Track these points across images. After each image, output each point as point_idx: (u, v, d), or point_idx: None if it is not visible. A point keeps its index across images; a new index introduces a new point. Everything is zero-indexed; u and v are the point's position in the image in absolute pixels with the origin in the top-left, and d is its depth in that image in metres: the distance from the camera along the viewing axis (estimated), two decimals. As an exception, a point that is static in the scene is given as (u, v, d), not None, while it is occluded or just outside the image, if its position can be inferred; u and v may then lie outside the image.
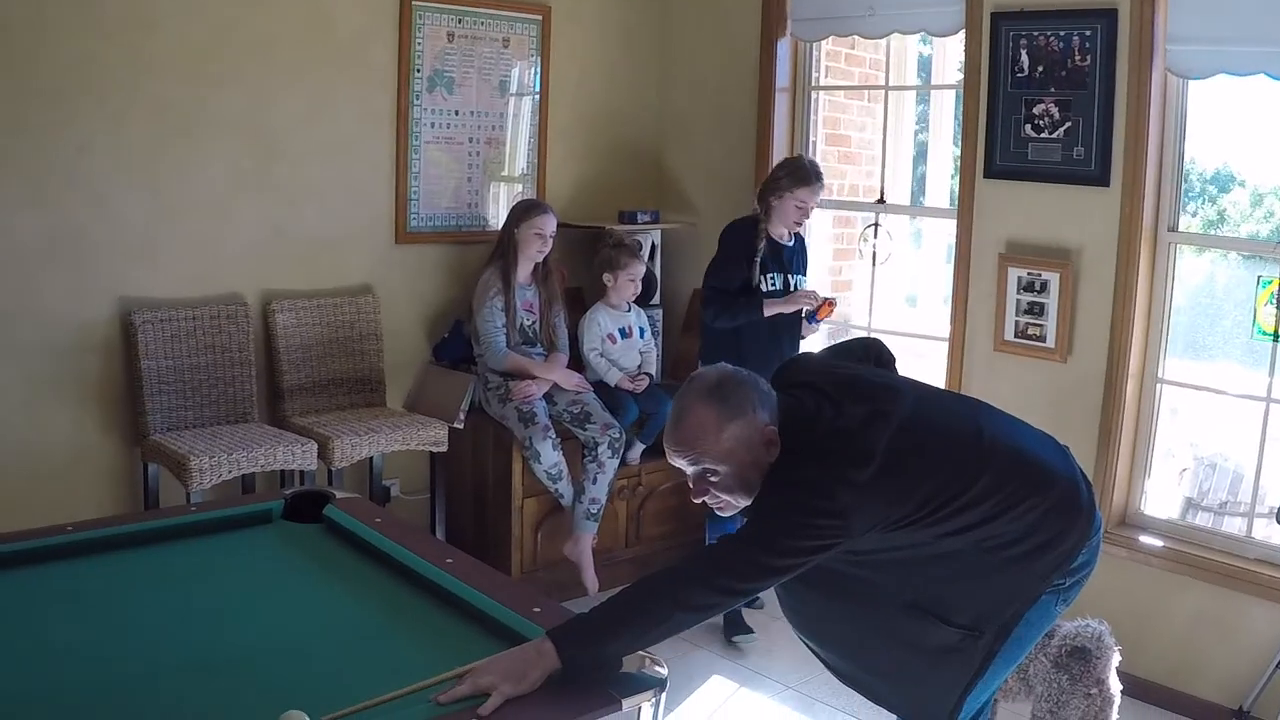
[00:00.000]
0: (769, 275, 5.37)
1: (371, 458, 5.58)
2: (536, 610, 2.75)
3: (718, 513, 2.99)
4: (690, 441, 2.82)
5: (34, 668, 2.53)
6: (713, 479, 2.84)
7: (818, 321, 5.41)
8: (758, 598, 5.54)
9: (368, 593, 3.02)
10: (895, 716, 3.26)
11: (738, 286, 5.32)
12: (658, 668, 2.53)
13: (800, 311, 5.37)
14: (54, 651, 2.61)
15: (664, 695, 2.47)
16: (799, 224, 5.43)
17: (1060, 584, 2.96)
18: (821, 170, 5.37)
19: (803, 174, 5.32)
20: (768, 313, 5.25)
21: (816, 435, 2.83)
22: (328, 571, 3.17)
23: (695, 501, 2.94)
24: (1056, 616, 3.09)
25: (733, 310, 5.28)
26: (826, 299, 5.37)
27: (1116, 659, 3.86)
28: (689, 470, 2.87)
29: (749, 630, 5.45)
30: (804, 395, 2.95)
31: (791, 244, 5.48)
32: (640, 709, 2.40)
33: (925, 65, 6.74)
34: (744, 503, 2.89)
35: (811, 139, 6.28)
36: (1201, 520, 5.06)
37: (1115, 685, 3.85)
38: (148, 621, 2.81)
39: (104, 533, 3.26)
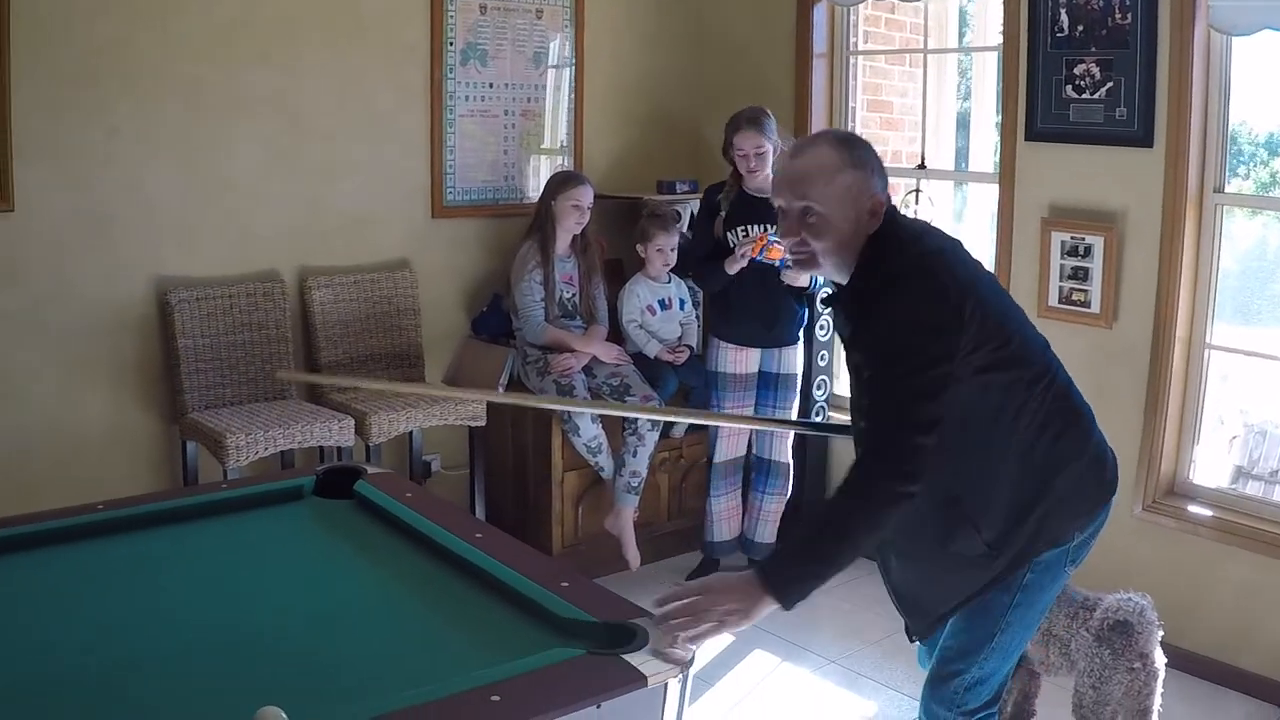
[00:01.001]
0: (737, 229, 5.41)
1: (411, 433, 5.57)
2: (564, 585, 2.72)
3: (791, 264, 2.93)
4: (804, 177, 2.78)
5: (63, 646, 2.52)
6: (811, 220, 2.77)
7: (774, 264, 5.27)
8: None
9: (395, 568, 3.00)
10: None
11: (705, 251, 5.49)
12: (686, 643, 2.48)
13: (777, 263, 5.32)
14: (83, 629, 2.61)
15: (691, 671, 2.41)
16: (754, 171, 5.39)
17: (1076, 538, 2.97)
18: (761, 115, 5.40)
19: (734, 122, 5.42)
20: (730, 270, 5.33)
21: (916, 251, 2.79)
22: (356, 547, 3.15)
23: (782, 241, 2.88)
24: (1065, 578, 3.07)
25: (701, 275, 5.51)
26: (757, 237, 5.30)
27: (1160, 633, 3.78)
28: (792, 206, 2.79)
29: None
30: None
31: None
32: (667, 685, 2.35)
33: (967, 28, 6.63)
34: (826, 266, 2.84)
35: (850, 105, 6.19)
36: (1252, 489, 4.94)
37: (1159, 659, 3.76)
38: (176, 599, 2.79)
39: (135, 511, 3.25)
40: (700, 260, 5.53)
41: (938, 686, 3.08)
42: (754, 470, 5.77)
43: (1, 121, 4.67)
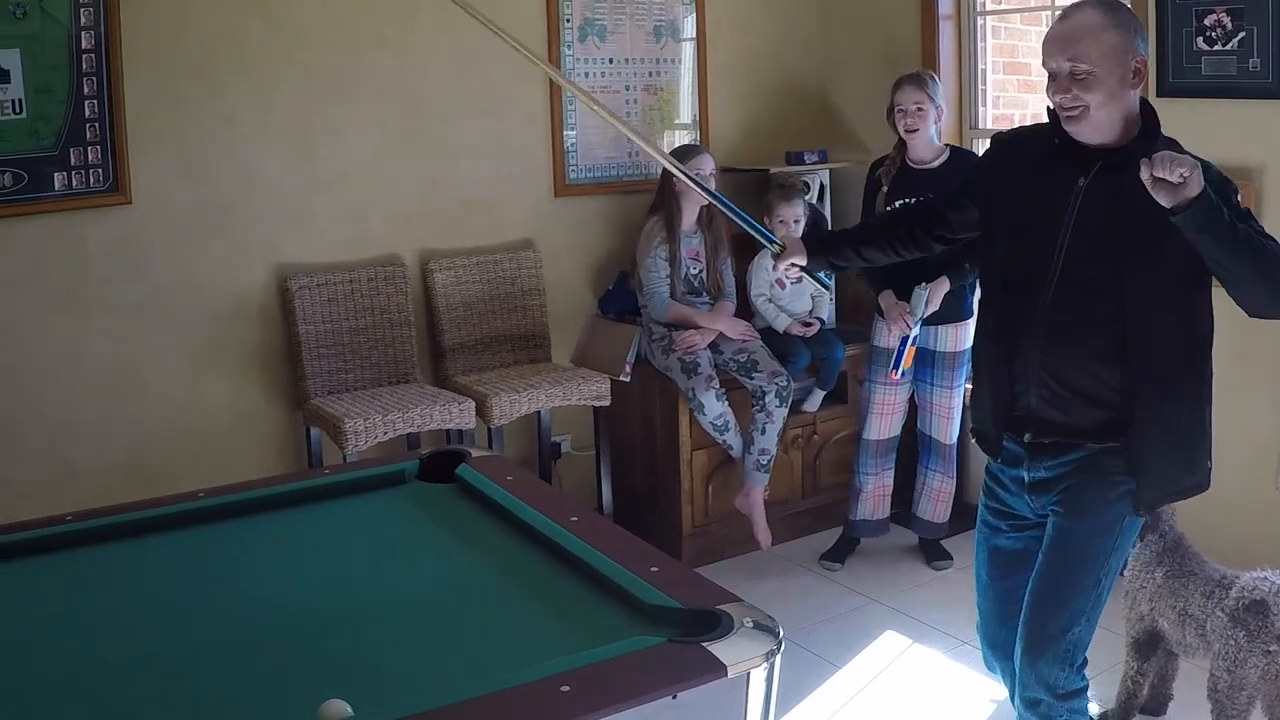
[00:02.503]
0: (897, 202, 5.20)
1: (539, 414, 5.53)
2: (654, 570, 2.63)
3: (1070, 115, 2.95)
4: (1072, 37, 2.91)
5: (143, 632, 2.55)
6: (1080, 77, 2.89)
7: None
8: (950, 556, 5.46)
9: (488, 554, 2.95)
10: None
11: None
12: (770, 627, 2.36)
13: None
14: (169, 616, 2.63)
15: (778, 659, 2.30)
16: (911, 130, 5.20)
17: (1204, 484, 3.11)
18: (923, 73, 5.34)
19: (897, 81, 5.29)
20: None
21: None
22: (451, 533, 3.10)
23: (1054, 99, 2.97)
24: (1135, 534, 3.20)
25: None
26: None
27: None
28: (1061, 66, 2.91)
29: (948, 556, 5.60)
30: None
31: (936, 164, 5.25)
32: (750, 675, 2.25)
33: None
34: (1098, 120, 2.93)
35: (981, 67, 5.98)
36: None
37: (1301, 642, 3.55)
38: (262, 586, 2.80)
39: (234, 498, 3.27)
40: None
41: (1045, 646, 3.06)
42: (919, 444, 5.60)
43: (116, 115, 4.72)
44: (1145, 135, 2.95)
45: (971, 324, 5.28)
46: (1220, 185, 2.84)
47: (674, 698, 2.16)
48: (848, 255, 3.61)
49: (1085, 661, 3.11)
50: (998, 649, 3.32)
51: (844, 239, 3.72)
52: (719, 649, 2.25)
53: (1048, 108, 3.04)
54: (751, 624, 2.35)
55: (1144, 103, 3.01)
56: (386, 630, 2.52)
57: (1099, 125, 2.94)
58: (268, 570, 2.89)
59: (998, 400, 3.16)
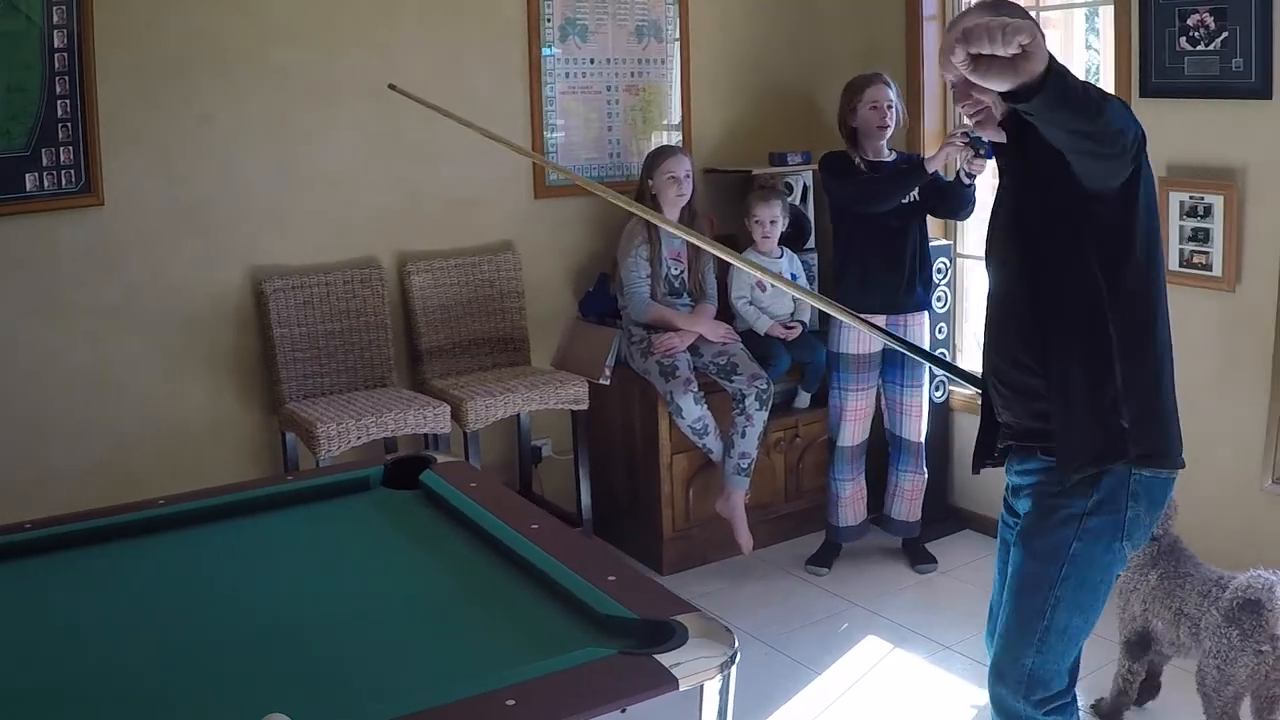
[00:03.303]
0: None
1: (519, 418, 5.49)
2: (611, 579, 2.58)
3: (977, 120, 2.85)
4: (948, 45, 2.55)
5: (100, 639, 2.53)
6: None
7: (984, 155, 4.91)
8: (934, 560, 5.43)
9: (447, 562, 2.91)
10: None
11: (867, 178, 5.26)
12: (724, 639, 2.31)
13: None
14: (122, 624, 2.60)
15: (733, 670, 2.25)
16: (884, 126, 5.22)
17: (1130, 509, 2.88)
18: (884, 74, 5.30)
19: (860, 80, 5.28)
20: (931, 167, 5.04)
21: None
22: (412, 540, 3.06)
23: (959, 108, 2.91)
24: (1121, 559, 2.94)
25: (895, 183, 5.14)
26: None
27: None
28: (956, 74, 2.68)
29: (932, 560, 5.59)
30: None
31: (890, 160, 5.30)
32: (703, 688, 2.20)
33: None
34: (1000, 112, 2.80)
35: (965, 67, 5.93)
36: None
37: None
38: (219, 594, 2.76)
39: (194, 505, 3.23)
40: (878, 179, 5.21)
41: (1003, 673, 2.96)
42: (889, 445, 5.59)
43: (89, 115, 4.67)
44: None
45: (927, 317, 5.43)
46: None
47: (623, 711, 2.12)
48: None
49: (1060, 697, 2.96)
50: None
51: None
52: (671, 660, 2.21)
53: None
54: (705, 635, 2.30)
55: None
56: (335, 641, 2.48)
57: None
58: (222, 578, 2.86)
59: (984, 406, 3.14)
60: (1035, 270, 2.84)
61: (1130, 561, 3.82)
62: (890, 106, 5.21)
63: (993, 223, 3.04)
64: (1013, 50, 2.12)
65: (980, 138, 4.66)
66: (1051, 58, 2.22)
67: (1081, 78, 2.42)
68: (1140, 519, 2.89)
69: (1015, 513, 3.11)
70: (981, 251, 3.17)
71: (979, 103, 2.81)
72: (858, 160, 5.27)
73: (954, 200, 5.15)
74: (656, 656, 2.22)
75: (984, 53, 2.13)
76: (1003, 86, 2.21)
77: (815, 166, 6.04)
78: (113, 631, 2.57)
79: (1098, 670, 4.20)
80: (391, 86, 4.42)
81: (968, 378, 3.39)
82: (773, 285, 5.57)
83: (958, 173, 5.00)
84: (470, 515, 3.06)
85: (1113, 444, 2.81)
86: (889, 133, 5.24)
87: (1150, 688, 4.13)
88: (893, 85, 5.27)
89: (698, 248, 5.54)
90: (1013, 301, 2.92)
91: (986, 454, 3.15)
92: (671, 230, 4.29)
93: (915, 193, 5.13)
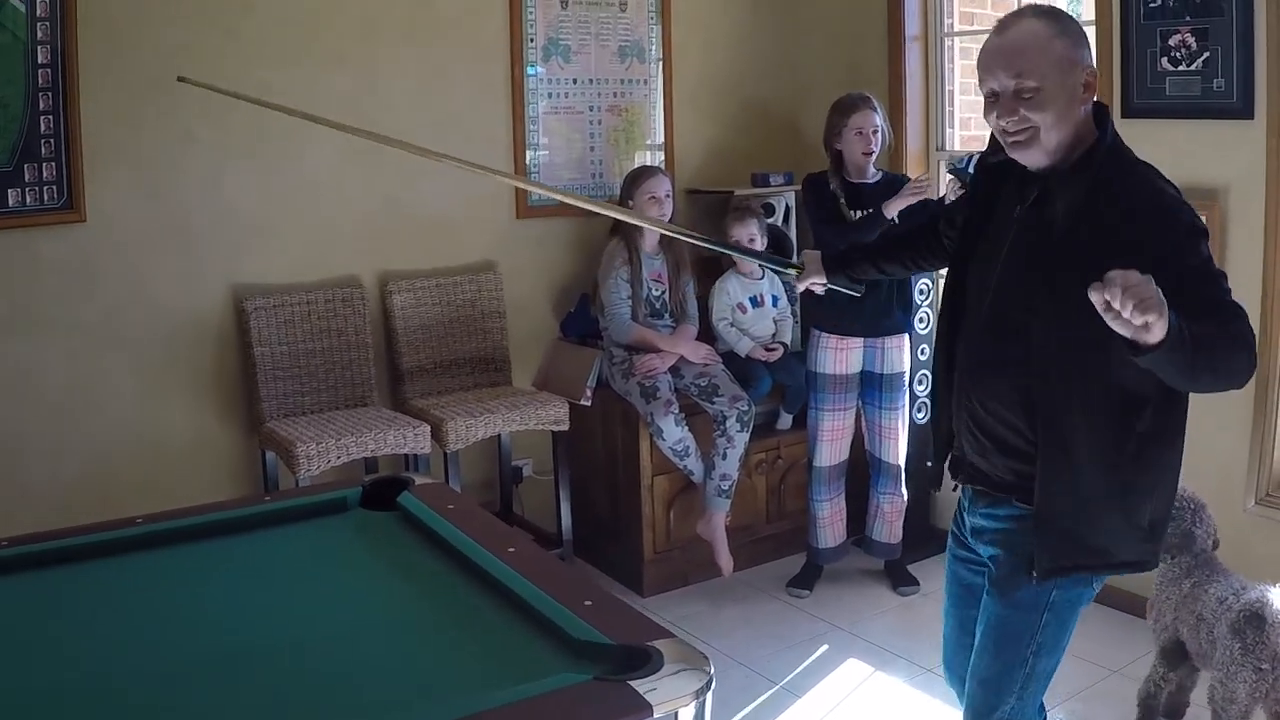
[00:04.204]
0: (854, 213, 5.21)
1: (500, 439, 5.48)
2: (587, 604, 2.56)
3: (1017, 140, 2.66)
4: (1016, 49, 2.62)
5: (76, 660, 2.49)
6: (1027, 96, 2.60)
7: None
8: (916, 582, 5.42)
9: (422, 585, 2.88)
10: None
11: (841, 225, 5.22)
12: (700, 665, 2.30)
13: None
14: (99, 645, 2.56)
15: (709, 697, 2.24)
16: (869, 153, 5.23)
17: (1143, 562, 2.82)
18: (871, 97, 5.28)
19: (846, 103, 5.25)
20: (890, 213, 5.05)
21: (1136, 158, 2.74)
22: (387, 562, 3.04)
23: (998, 123, 2.67)
24: (1088, 601, 2.89)
25: (859, 229, 5.10)
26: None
27: None
28: (1005, 85, 2.63)
29: (914, 582, 5.59)
30: None
31: (875, 179, 5.30)
32: (677, 715, 2.19)
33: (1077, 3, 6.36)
34: (1048, 143, 2.64)
35: (948, 88, 5.96)
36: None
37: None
38: (194, 615, 2.72)
39: (171, 525, 3.19)
40: (848, 225, 5.20)
41: (977, 718, 2.93)
42: (870, 467, 5.58)
43: (71, 131, 4.66)
44: (1087, 157, 2.66)
45: (907, 340, 5.41)
46: (1189, 235, 2.54)
47: (595, 738, 2.10)
48: (865, 270, 3.52)
49: None
50: (953, 672, 3.20)
51: (862, 255, 3.57)
52: (645, 687, 2.19)
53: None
54: (681, 661, 2.29)
55: (1100, 111, 2.71)
56: (308, 663, 2.45)
57: (1049, 149, 2.64)
58: (199, 598, 2.82)
59: (938, 434, 3.09)
60: (1056, 342, 2.64)
61: (1163, 577, 3.86)
62: (875, 132, 5.22)
63: (994, 242, 2.85)
64: (1136, 324, 2.18)
65: (968, 172, 4.65)
66: (1173, 332, 2.23)
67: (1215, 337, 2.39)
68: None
69: (969, 548, 3.04)
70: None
71: (1027, 121, 2.62)
72: (834, 186, 5.26)
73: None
74: (631, 683, 2.20)
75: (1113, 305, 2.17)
76: (1120, 332, 2.23)
77: (798, 187, 6.07)
78: (89, 650, 2.54)
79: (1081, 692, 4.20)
80: (181, 79, 4.27)
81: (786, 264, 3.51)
82: (755, 307, 5.58)
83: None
84: (447, 538, 3.03)
85: (1126, 560, 2.79)
86: (873, 157, 5.25)
87: (1178, 705, 4.10)
88: (879, 109, 5.28)
89: (678, 268, 5.55)
90: (1011, 352, 2.74)
91: (941, 465, 3.12)
92: (650, 227, 4.33)
93: (894, 218, 5.13)
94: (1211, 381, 2.46)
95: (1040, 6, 2.75)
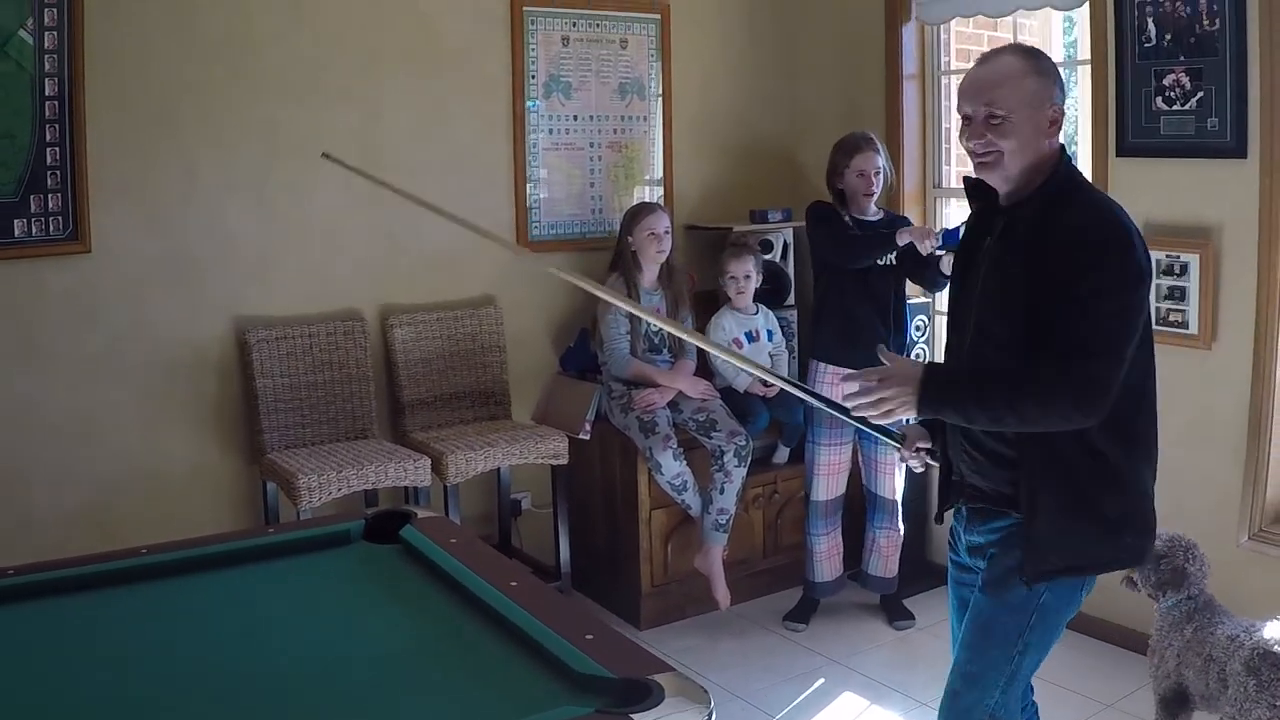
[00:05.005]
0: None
1: (499, 472, 5.51)
2: (589, 638, 2.60)
3: (983, 161, 2.90)
4: (990, 82, 2.87)
5: (77, 690, 2.51)
6: (995, 122, 2.84)
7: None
8: (912, 616, 5.43)
9: (426, 618, 2.90)
10: None
11: (849, 235, 5.28)
12: (700, 699, 2.33)
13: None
14: (100, 675, 2.58)
15: (709, 724, 2.27)
16: (870, 193, 5.29)
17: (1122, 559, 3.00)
18: (874, 137, 5.34)
19: (850, 143, 5.31)
20: (902, 240, 5.07)
21: (1101, 195, 2.97)
22: (391, 595, 3.06)
23: (967, 144, 2.92)
24: (1078, 606, 3.03)
25: (869, 244, 5.19)
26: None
27: None
28: (977, 111, 2.87)
29: (910, 616, 5.62)
30: None
31: (878, 219, 5.36)
32: (677, 744, 2.22)
33: (1073, 46, 6.43)
34: (1010, 169, 2.87)
35: (945, 125, 6.02)
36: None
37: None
38: (194, 646, 2.74)
39: (176, 556, 3.22)
40: (857, 239, 5.24)
41: (967, 710, 3.02)
42: (866, 502, 5.61)
43: (77, 163, 4.71)
44: (1044, 189, 2.86)
45: None
46: (1097, 266, 2.71)
47: (598, 770, 2.13)
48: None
49: None
50: None
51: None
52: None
53: (965, 179, 3.05)
54: (681, 694, 2.32)
55: (1058, 153, 2.91)
56: (312, 695, 2.48)
57: (1010, 174, 2.88)
58: (204, 629, 2.85)
59: (943, 457, 3.17)
60: (1020, 346, 2.82)
61: (1164, 621, 3.89)
62: (878, 173, 5.27)
63: (966, 280, 3.05)
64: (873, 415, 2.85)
65: (957, 239, 4.70)
66: (923, 399, 2.78)
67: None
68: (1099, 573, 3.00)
69: (968, 568, 3.16)
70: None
71: (992, 145, 2.85)
72: (847, 218, 5.31)
73: (928, 274, 5.21)
74: (633, 716, 2.23)
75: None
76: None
77: (797, 224, 6.12)
78: (93, 679, 2.56)
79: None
80: (325, 155, 4.44)
81: (886, 434, 3.33)
82: (751, 342, 5.62)
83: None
84: (450, 571, 3.06)
85: (1109, 558, 2.95)
86: (875, 197, 5.31)
87: None
88: (881, 149, 5.33)
89: (676, 304, 5.60)
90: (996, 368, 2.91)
91: (947, 504, 3.20)
92: (642, 315, 4.45)
93: (892, 257, 5.18)
94: (1001, 425, 2.81)
95: (1021, 45, 3.04)
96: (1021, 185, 2.88)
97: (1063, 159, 2.89)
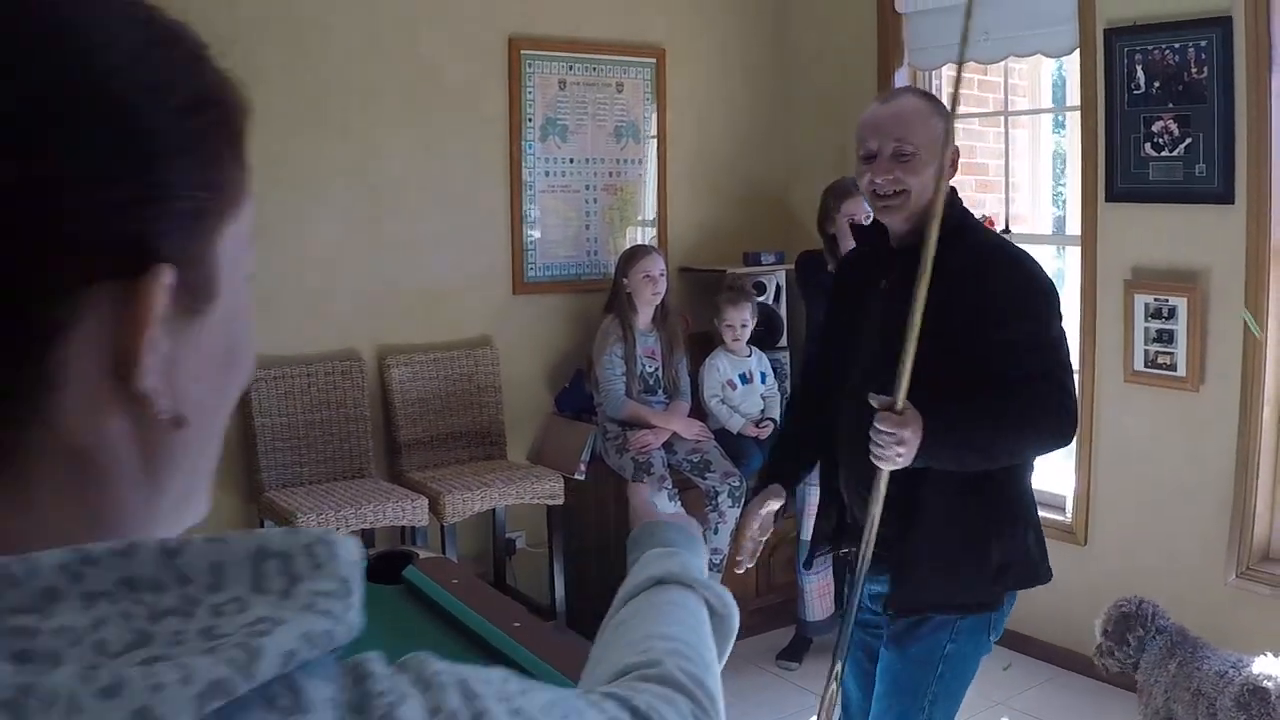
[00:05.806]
0: None
1: (494, 511, 5.54)
2: (592, 677, 2.63)
3: (887, 204, 2.89)
4: (900, 118, 2.87)
5: None
6: (904, 159, 2.83)
7: None
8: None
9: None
10: None
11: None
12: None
13: None
14: None
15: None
16: None
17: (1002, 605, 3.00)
18: None
19: (840, 188, 5.31)
20: None
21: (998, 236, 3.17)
22: (393, 635, 3.08)
23: (872, 181, 2.89)
24: (988, 649, 3.06)
25: None
26: None
27: None
28: (885, 146, 2.86)
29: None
30: None
31: None
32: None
33: (1060, 88, 6.52)
34: (914, 206, 2.86)
35: (937, 168, 6.07)
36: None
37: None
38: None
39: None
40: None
41: None
42: None
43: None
44: (953, 230, 2.79)
45: None
46: (1032, 297, 2.84)
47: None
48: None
49: None
50: None
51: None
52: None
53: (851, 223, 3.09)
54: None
55: (951, 193, 2.86)
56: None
57: (913, 212, 2.85)
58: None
59: (828, 509, 3.22)
60: (921, 403, 2.76)
61: (1146, 661, 3.95)
62: (869, 219, 5.30)
63: (849, 319, 3.12)
64: (888, 463, 2.74)
65: None
66: (927, 447, 2.70)
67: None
68: (1005, 613, 3.01)
69: (873, 610, 3.14)
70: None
71: (900, 182, 2.83)
72: (830, 267, 5.35)
73: None
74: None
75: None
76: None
77: (789, 266, 6.17)
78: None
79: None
80: None
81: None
82: (744, 384, 5.67)
83: None
84: (454, 612, 3.09)
85: (977, 601, 2.96)
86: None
87: None
88: None
89: (671, 346, 5.65)
90: (870, 415, 2.81)
91: (822, 547, 3.29)
92: None
93: None
94: (996, 461, 2.84)
95: (919, 89, 3.19)
96: (917, 225, 2.83)
97: (956, 199, 2.91)
